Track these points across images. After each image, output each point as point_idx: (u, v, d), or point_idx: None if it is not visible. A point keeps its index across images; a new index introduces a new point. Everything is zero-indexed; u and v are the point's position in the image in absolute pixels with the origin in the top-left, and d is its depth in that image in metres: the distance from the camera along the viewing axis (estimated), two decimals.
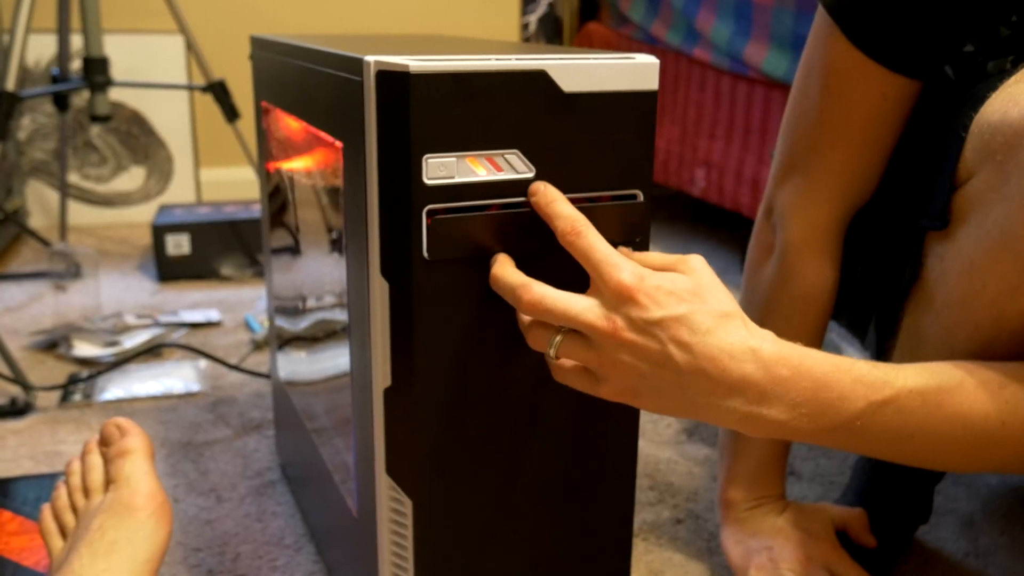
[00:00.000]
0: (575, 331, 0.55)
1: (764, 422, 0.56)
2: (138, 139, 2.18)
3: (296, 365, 0.89)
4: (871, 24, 0.70)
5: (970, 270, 0.64)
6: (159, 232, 1.69)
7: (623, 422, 0.66)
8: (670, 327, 0.53)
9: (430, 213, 0.55)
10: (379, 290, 0.58)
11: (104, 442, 0.73)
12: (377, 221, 0.57)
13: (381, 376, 0.60)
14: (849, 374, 0.57)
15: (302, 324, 0.84)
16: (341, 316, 0.68)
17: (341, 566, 0.78)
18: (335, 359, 0.72)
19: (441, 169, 0.55)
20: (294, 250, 0.85)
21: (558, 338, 0.55)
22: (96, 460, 0.72)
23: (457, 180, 0.56)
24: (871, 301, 0.81)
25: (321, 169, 0.70)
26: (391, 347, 0.59)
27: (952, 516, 0.97)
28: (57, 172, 2.08)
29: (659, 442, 1.12)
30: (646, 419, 1.18)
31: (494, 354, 0.60)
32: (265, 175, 0.96)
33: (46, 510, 0.72)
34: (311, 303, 0.79)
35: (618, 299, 0.53)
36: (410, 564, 0.62)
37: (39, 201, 2.13)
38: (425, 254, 0.56)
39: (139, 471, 0.68)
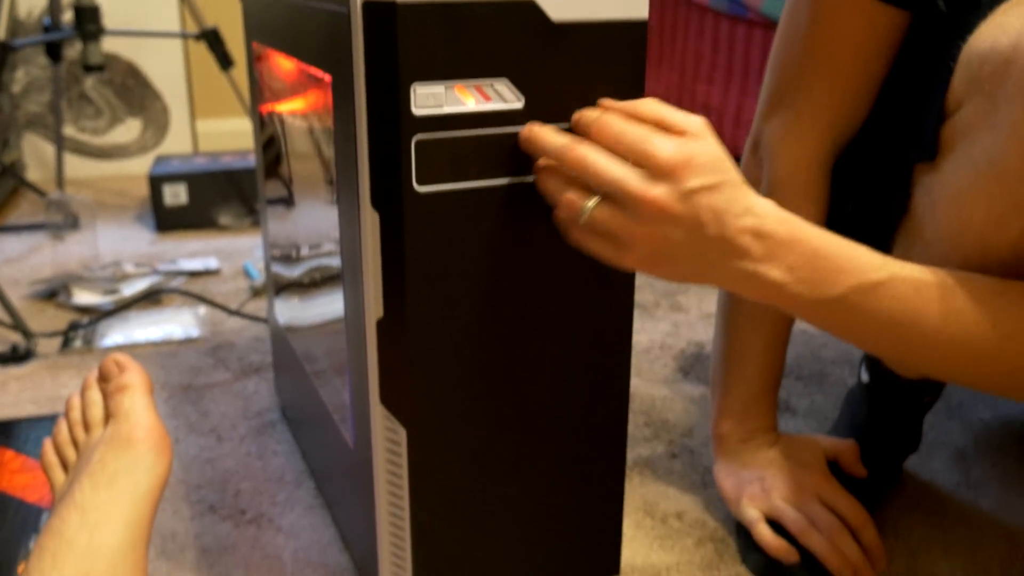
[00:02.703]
0: (607, 198, 0.56)
1: (764, 282, 0.58)
2: (133, 91, 2.17)
3: (293, 310, 0.89)
4: None
5: (958, 201, 0.64)
6: (156, 182, 1.69)
7: (616, 351, 0.67)
8: (706, 196, 0.55)
9: (419, 142, 0.56)
10: (370, 221, 0.58)
11: (103, 378, 0.74)
12: (366, 152, 0.57)
13: (373, 307, 0.60)
14: (848, 250, 0.59)
15: (298, 270, 0.84)
16: (335, 261, 0.68)
17: (340, 498, 0.80)
18: (331, 303, 0.72)
19: (430, 99, 0.55)
20: (288, 197, 0.85)
21: (591, 203, 0.56)
22: (95, 395, 0.73)
23: (446, 110, 0.56)
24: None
25: (312, 109, 0.70)
26: (382, 278, 0.59)
27: (945, 449, 0.98)
28: (53, 125, 2.07)
29: (654, 380, 1.13)
30: (642, 358, 1.19)
31: (485, 283, 0.61)
32: (259, 119, 0.96)
33: (48, 444, 0.73)
34: (306, 250, 0.80)
35: (661, 173, 0.54)
36: (405, 492, 0.64)
37: (36, 154, 2.12)
38: (414, 184, 0.56)
39: (138, 405, 0.69)
